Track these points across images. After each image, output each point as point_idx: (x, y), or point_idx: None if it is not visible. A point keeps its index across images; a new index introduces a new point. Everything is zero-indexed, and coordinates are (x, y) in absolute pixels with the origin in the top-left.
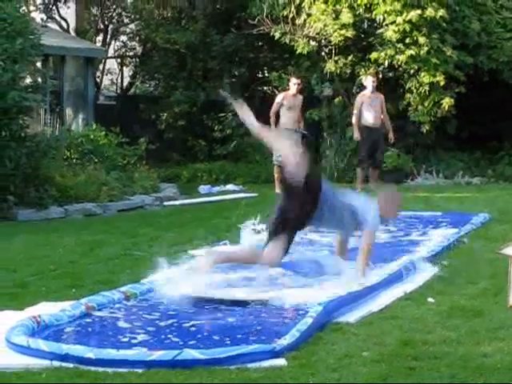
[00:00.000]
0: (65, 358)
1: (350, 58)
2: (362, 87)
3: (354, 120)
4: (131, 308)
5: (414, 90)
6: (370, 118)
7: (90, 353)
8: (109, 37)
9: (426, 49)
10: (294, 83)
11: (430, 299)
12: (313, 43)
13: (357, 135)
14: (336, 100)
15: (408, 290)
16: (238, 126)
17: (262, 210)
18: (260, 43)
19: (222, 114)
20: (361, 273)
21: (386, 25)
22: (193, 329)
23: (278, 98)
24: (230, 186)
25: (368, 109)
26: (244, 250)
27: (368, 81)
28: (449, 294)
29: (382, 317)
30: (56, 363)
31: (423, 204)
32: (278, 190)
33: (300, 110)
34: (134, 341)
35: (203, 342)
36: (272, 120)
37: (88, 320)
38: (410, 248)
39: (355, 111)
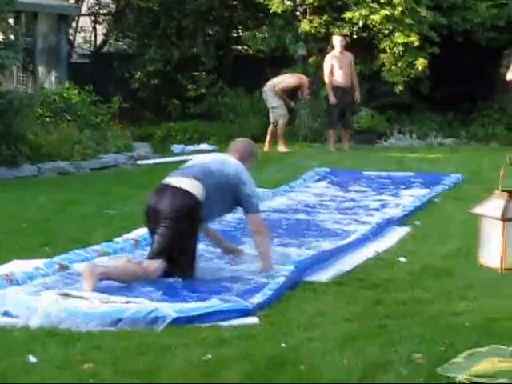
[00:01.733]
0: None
1: (324, 17)
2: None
3: (327, 82)
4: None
5: (388, 51)
6: (340, 78)
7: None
8: None
9: (400, 9)
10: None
11: (402, 259)
12: (287, 2)
13: (333, 99)
14: (310, 60)
15: (380, 250)
16: (212, 85)
17: None
18: (234, 2)
19: (196, 73)
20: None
21: None
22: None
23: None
24: (203, 146)
25: (338, 69)
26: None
27: (336, 40)
28: (420, 253)
29: (353, 276)
30: (29, 322)
31: (396, 164)
32: (266, 149)
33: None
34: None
35: (175, 299)
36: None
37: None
38: (382, 208)
39: (326, 72)
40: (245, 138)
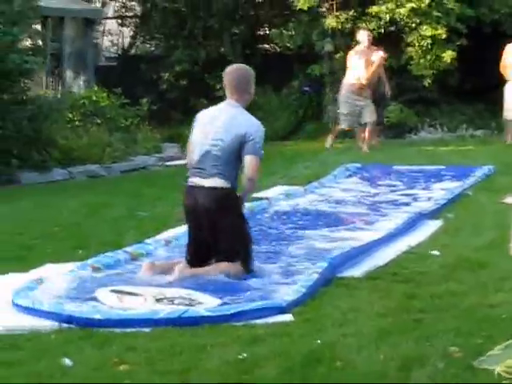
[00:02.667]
0: (71, 319)
1: (350, 12)
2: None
3: (383, 75)
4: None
5: (416, 44)
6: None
7: (97, 314)
8: None
9: (427, 1)
10: (366, 36)
11: (435, 252)
12: None
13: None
14: (337, 55)
15: (413, 244)
16: None
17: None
18: (260, 0)
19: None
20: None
21: None
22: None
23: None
24: None
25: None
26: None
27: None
28: (454, 246)
29: (387, 271)
30: (64, 325)
31: (427, 158)
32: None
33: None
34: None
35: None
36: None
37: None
38: (414, 202)
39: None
40: (233, 67)
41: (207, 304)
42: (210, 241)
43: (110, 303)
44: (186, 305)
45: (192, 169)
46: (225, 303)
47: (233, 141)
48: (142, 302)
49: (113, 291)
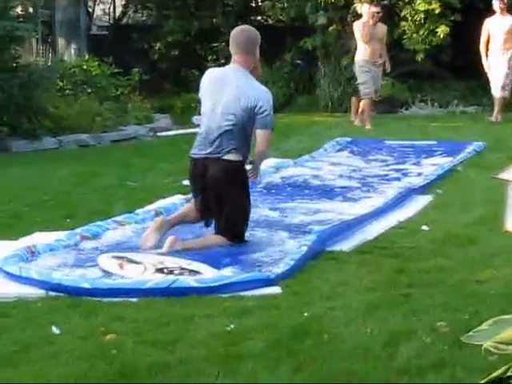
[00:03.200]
0: (58, 287)
1: None
2: (356, 16)
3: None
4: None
5: (409, 18)
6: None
7: (85, 283)
8: None
9: None
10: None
11: (425, 227)
12: None
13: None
14: (330, 29)
15: (402, 219)
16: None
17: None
18: None
19: (216, 44)
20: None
21: None
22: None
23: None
24: None
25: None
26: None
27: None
28: (443, 221)
29: (376, 245)
30: (52, 293)
31: (418, 133)
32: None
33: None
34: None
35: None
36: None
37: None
38: (404, 177)
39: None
40: (241, 28)
41: (206, 274)
42: (213, 206)
43: (110, 269)
44: (186, 275)
45: (202, 138)
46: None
47: (245, 113)
48: (142, 271)
49: (114, 257)
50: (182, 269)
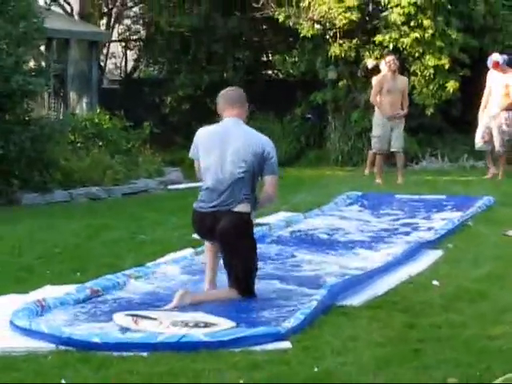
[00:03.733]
0: (68, 342)
1: (354, 41)
2: (367, 70)
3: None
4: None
5: (419, 73)
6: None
7: (95, 337)
8: (113, 20)
9: (430, 32)
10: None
11: (435, 282)
12: (317, 26)
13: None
14: (340, 83)
15: (413, 273)
16: None
17: None
18: (264, 26)
19: None
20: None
21: (391, 7)
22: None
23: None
24: None
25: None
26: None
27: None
28: (454, 276)
29: (386, 300)
30: (62, 347)
31: (428, 187)
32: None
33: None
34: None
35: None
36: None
37: (92, 303)
38: (415, 231)
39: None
40: (227, 88)
41: (222, 326)
42: (223, 257)
43: (126, 325)
44: (202, 326)
45: (208, 192)
46: (239, 326)
47: (255, 158)
48: (158, 325)
49: (128, 315)
50: (197, 321)
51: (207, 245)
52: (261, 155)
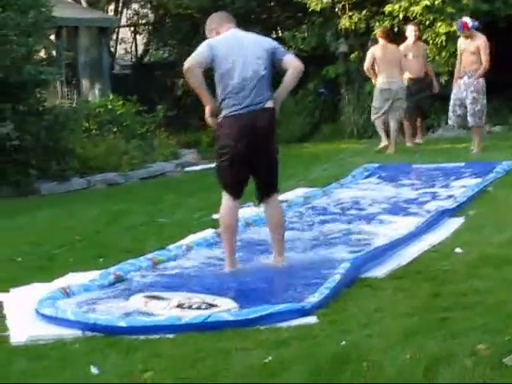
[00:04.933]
0: (95, 327)
1: (364, 12)
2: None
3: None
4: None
5: (431, 41)
6: (414, 68)
7: (121, 321)
8: (120, 5)
9: None
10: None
11: (458, 250)
12: (326, 0)
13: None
14: (352, 56)
15: (435, 242)
16: None
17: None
18: (272, 3)
19: None
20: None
21: None
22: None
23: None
24: None
25: (411, 59)
26: None
27: (409, 31)
28: (476, 243)
29: (410, 270)
30: (88, 333)
31: (445, 156)
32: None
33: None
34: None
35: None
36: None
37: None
38: (434, 200)
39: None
40: (217, 12)
41: (222, 307)
42: (259, 167)
43: (136, 305)
44: (203, 308)
45: (235, 94)
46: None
47: (267, 57)
48: (165, 306)
49: (145, 296)
50: (203, 303)
51: (227, 220)
52: (271, 49)
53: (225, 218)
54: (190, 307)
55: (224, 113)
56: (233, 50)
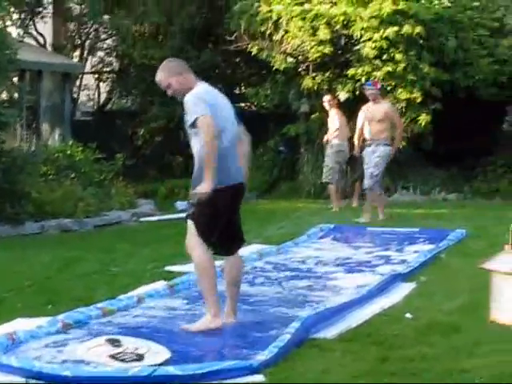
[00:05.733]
0: (39, 376)
1: (327, 74)
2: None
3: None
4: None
5: None
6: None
7: (66, 371)
8: (86, 52)
9: (402, 65)
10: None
11: (408, 315)
12: (290, 59)
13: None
14: (313, 116)
15: (386, 306)
16: None
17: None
18: (237, 59)
19: None
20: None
21: (364, 41)
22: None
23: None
24: None
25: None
26: None
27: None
28: (427, 309)
29: (360, 333)
30: (32, 381)
31: (400, 220)
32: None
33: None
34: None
35: (181, 357)
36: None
37: (65, 337)
38: (387, 264)
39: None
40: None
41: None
42: (237, 226)
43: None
44: (131, 360)
45: (229, 150)
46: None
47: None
48: (99, 354)
49: (107, 340)
50: (135, 354)
51: (209, 264)
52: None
53: (207, 263)
54: (120, 357)
55: (221, 182)
56: (220, 108)
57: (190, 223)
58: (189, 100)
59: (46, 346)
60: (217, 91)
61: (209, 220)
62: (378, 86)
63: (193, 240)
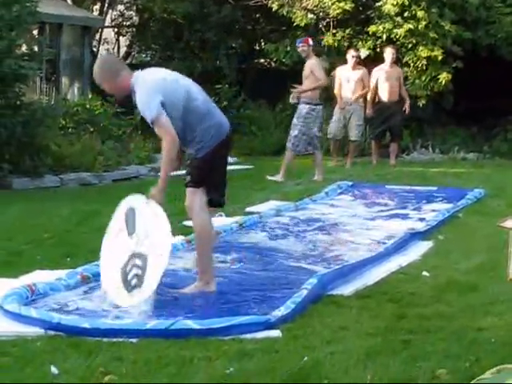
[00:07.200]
0: (58, 327)
1: (347, 31)
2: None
3: (369, 96)
4: None
5: (412, 64)
6: (385, 92)
7: (85, 323)
8: (106, 6)
9: (424, 23)
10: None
11: (426, 273)
12: (311, 16)
13: (369, 111)
14: (332, 73)
15: (403, 264)
16: (234, 98)
17: (257, 181)
18: (257, 15)
19: (219, 86)
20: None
21: None
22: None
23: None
24: None
25: (383, 83)
26: None
27: (387, 53)
28: (444, 268)
29: (377, 290)
30: (51, 332)
31: (418, 179)
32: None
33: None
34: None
35: (200, 311)
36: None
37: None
38: (405, 222)
39: (371, 85)
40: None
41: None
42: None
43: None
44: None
45: (208, 103)
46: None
47: None
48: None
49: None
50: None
51: (209, 231)
52: None
53: (209, 227)
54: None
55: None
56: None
57: (190, 189)
58: (140, 101)
59: (65, 297)
60: (155, 70)
61: (208, 174)
62: (310, 42)
63: (196, 204)
